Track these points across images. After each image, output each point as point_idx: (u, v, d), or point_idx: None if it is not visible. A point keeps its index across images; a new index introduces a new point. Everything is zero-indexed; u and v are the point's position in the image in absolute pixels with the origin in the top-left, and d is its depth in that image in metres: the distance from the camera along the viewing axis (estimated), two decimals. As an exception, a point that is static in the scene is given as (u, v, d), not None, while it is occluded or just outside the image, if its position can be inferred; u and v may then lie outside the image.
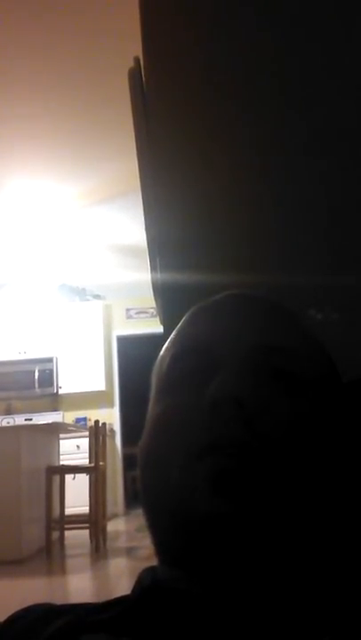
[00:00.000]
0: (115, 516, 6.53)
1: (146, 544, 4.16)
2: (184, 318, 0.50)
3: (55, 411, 7.02)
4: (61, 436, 5.61)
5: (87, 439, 5.04)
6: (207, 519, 0.38)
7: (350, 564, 0.43)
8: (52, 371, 6.96)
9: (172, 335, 0.50)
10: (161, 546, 0.44)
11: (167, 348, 0.49)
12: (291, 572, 0.39)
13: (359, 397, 0.50)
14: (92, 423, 4.96)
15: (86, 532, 4.63)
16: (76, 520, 4.83)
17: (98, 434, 4.81)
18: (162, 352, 0.50)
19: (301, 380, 0.43)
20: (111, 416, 7.11)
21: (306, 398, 0.42)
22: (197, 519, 0.38)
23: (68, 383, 6.96)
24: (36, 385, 6.94)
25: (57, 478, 4.73)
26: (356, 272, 0.68)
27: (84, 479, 4.93)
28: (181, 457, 0.40)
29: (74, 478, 5.07)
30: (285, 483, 0.39)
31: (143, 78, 0.55)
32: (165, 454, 0.42)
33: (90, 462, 4.79)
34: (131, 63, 0.57)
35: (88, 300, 7.29)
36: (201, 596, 0.38)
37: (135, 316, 7.41)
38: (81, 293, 7.25)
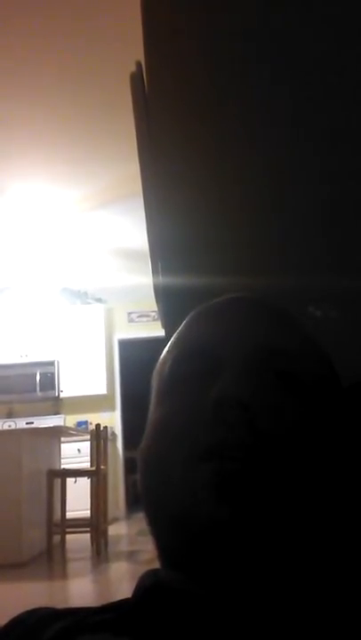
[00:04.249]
0: (116, 519, 6.51)
1: (147, 548, 4.14)
2: (185, 321, 0.50)
3: (56, 414, 7.02)
4: (63, 439, 5.61)
5: (88, 443, 5.04)
6: (210, 522, 0.37)
7: (352, 567, 0.43)
8: (53, 374, 6.96)
9: (173, 337, 0.50)
10: (163, 549, 0.44)
11: (169, 350, 0.49)
12: (293, 576, 0.39)
13: (355, 399, 0.50)
14: (93, 427, 4.95)
15: (87, 535, 4.63)
16: (78, 524, 4.83)
17: (99, 437, 4.80)
18: (163, 354, 0.50)
19: (303, 382, 0.43)
20: (112, 420, 7.10)
21: (308, 400, 0.42)
22: (200, 522, 0.38)
23: (69, 387, 6.96)
24: (38, 388, 6.93)
25: (58, 482, 4.72)
26: (357, 272, 0.68)
27: (85, 483, 4.93)
28: (184, 459, 0.40)
29: (75, 482, 5.07)
30: (288, 486, 0.39)
31: (145, 82, 0.55)
32: (167, 457, 0.41)
33: (91, 466, 4.79)
34: (133, 67, 0.57)
35: (90, 303, 7.29)
36: (202, 598, 0.38)
37: (137, 319, 7.41)
38: (82, 297, 7.26)
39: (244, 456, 0.38)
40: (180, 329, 0.50)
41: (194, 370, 0.44)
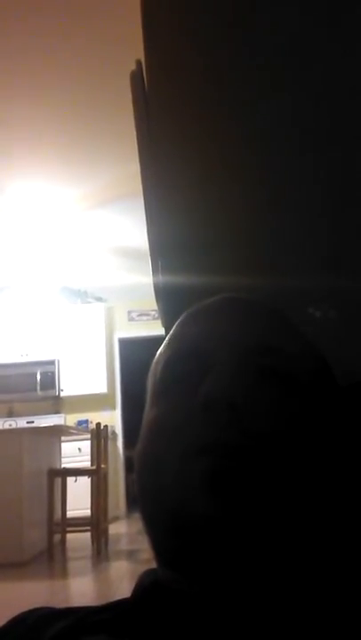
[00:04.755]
0: (116, 518, 6.52)
1: (147, 547, 4.11)
2: (178, 321, 0.50)
3: (57, 413, 7.02)
4: (63, 438, 5.61)
5: (89, 442, 5.05)
6: (203, 520, 0.38)
7: (348, 564, 0.43)
8: (53, 373, 6.97)
9: (167, 338, 0.50)
10: (158, 548, 0.44)
11: (162, 351, 0.49)
12: (288, 572, 0.39)
13: (354, 399, 0.50)
14: (93, 426, 4.96)
15: (88, 534, 4.63)
16: (78, 523, 4.83)
17: (99, 436, 4.81)
18: (157, 355, 0.50)
19: (295, 382, 0.43)
20: (113, 418, 7.11)
21: (299, 399, 0.42)
22: (193, 520, 0.38)
23: (69, 386, 6.97)
24: (38, 387, 6.94)
25: (59, 481, 4.72)
26: (356, 272, 0.69)
27: (85, 482, 4.93)
28: (176, 459, 0.40)
29: (75, 481, 5.07)
30: (280, 483, 0.39)
31: (145, 81, 0.55)
32: (161, 457, 0.42)
33: (91, 465, 4.79)
34: (133, 66, 0.57)
35: (90, 302, 7.30)
36: (200, 597, 0.38)
37: (137, 318, 7.41)
38: (83, 296, 7.26)
39: (233, 454, 0.38)
40: (173, 329, 0.50)
41: (187, 370, 0.45)
